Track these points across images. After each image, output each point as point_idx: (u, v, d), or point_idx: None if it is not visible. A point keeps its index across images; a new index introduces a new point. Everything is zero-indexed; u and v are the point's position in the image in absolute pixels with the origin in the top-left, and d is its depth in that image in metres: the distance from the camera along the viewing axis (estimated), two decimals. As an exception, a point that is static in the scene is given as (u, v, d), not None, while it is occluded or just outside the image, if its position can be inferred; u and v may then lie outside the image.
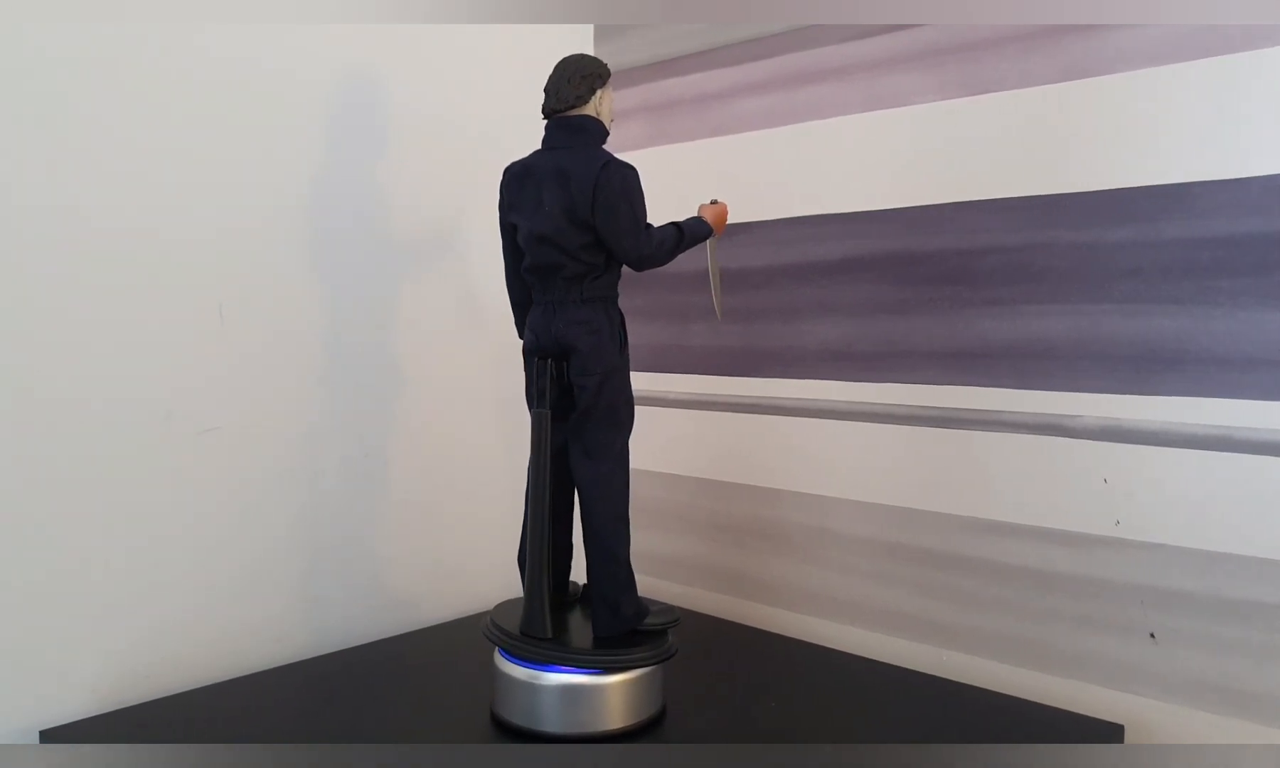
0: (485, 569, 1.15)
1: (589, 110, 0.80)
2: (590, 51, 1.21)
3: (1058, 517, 0.91)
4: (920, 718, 0.83)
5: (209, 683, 0.90)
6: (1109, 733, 0.81)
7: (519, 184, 0.81)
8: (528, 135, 0.85)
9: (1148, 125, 0.86)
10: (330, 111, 1.01)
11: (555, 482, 0.81)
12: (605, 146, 0.80)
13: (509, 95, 1.15)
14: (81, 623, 0.85)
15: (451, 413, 1.14)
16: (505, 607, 0.86)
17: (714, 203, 0.88)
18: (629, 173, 0.78)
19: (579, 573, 0.86)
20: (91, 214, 0.85)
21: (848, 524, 1.06)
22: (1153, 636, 0.86)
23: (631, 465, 0.83)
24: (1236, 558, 0.82)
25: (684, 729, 0.80)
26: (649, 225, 0.80)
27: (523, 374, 0.83)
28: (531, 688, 0.78)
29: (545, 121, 0.81)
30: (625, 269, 0.82)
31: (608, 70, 0.82)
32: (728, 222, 0.91)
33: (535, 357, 0.81)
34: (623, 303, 0.82)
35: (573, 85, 0.79)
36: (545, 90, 0.81)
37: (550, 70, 0.81)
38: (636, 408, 0.84)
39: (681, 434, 1.21)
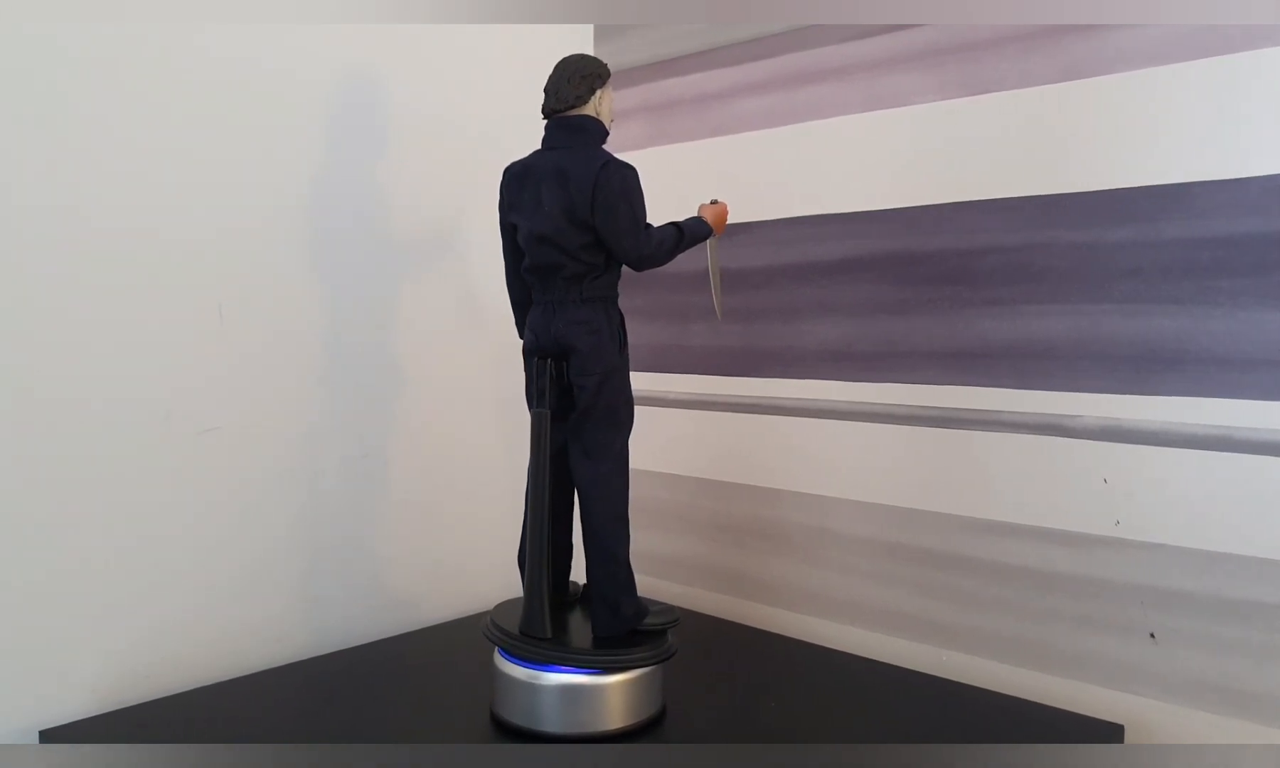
0: (485, 569, 1.15)
1: (589, 110, 0.80)
2: (590, 51, 1.21)
3: (1058, 517, 0.91)
4: (920, 718, 0.83)
5: (209, 683, 0.90)
6: (1109, 733, 0.81)
7: (519, 184, 0.81)
8: (528, 135, 0.85)
9: (1148, 125, 0.86)
10: (330, 111, 1.01)
11: (555, 482, 0.81)
12: (605, 146, 0.81)
13: (509, 95, 1.15)
14: (81, 623, 0.85)
15: (451, 413, 1.14)
16: (505, 607, 0.86)
17: (714, 203, 0.88)
18: (628, 173, 0.78)
19: (579, 573, 0.86)
20: (91, 214, 0.85)
21: (848, 524, 1.06)
22: (1153, 636, 0.86)
23: (631, 465, 0.83)
24: (1236, 558, 0.82)
25: (684, 729, 0.80)
26: (649, 225, 0.80)
27: (523, 374, 0.83)
28: (531, 688, 0.78)
29: (545, 121, 0.81)
30: (625, 269, 0.82)
31: (608, 70, 0.82)
32: (728, 221, 0.91)
33: (535, 357, 0.81)
34: (623, 303, 0.82)
35: (572, 85, 0.79)
36: (545, 90, 0.81)
37: (550, 70, 0.81)
38: (636, 408, 0.84)
39: (681, 434, 1.21)
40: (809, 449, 1.09)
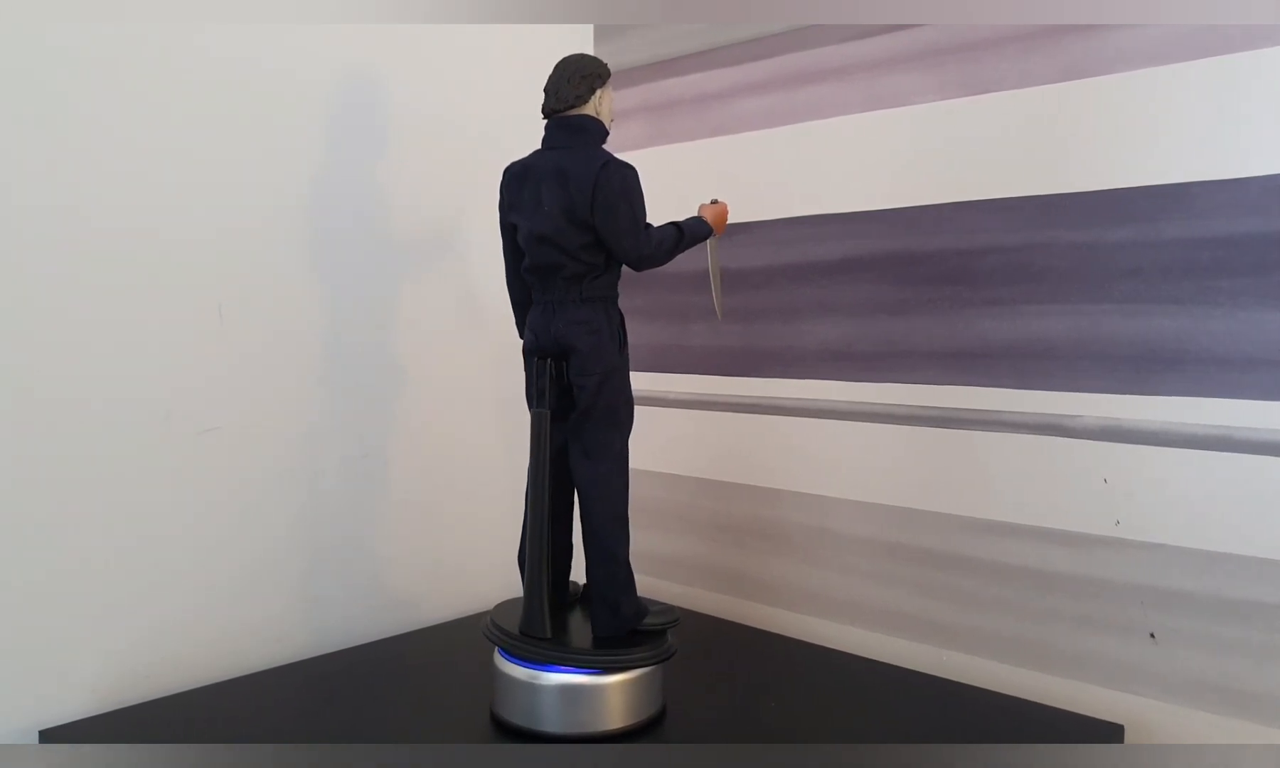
0: (485, 569, 1.15)
1: (589, 110, 0.80)
2: (590, 51, 1.21)
3: (1058, 517, 0.91)
4: (920, 718, 0.83)
5: (209, 683, 0.90)
6: (1109, 733, 0.81)
7: (519, 184, 0.81)
8: (528, 135, 0.85)
9: (1147, 125, 0.86)
10: (330, 111, 1.01)
11: (555, 482, 0.81)
12: (605, 146, 0.80)
13: (509, 95, 1.15)
14: (81, 623, 0.85)
15: (451, 413, 1.14)
16: (505, 607, 0.86)
17: (714, 203, 0.88)
18: (628, 172, 0.78)
19: (579, 573, 0.86)
20: (91, 214, 0.85)
21: (848, 524, 1.06)
22: (1153, 636, 0.86)
23: (631, 465, 0.83)
24: (1236, 558, 0.82)
25: (684, 729, 0.80)
26: (648, 225, 0.80)
27: (523, 374, 0.83)
28: (531, 688, 0.78)
29: (545, 121, 0.81)
30: (625, 269, 0.82)
31: (608, 70, 0.82)
32: (728, 221, 0.91)
33: (535, 357, 0.81)
34: (623, 303, 0.82)
35: (572, 85, 0.79)
36: (545, 90, 0.81)
37: (550, 70, 0.81)
38: (636, 408, 0.84)
39: (681, 434, 1.21)
40: (809, 449, 1.09)
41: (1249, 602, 0.81)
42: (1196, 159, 0.83)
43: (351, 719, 0.82)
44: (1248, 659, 0.82)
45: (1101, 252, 0.88)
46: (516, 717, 0.79)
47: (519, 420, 0.89)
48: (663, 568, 1.23)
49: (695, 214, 0.86)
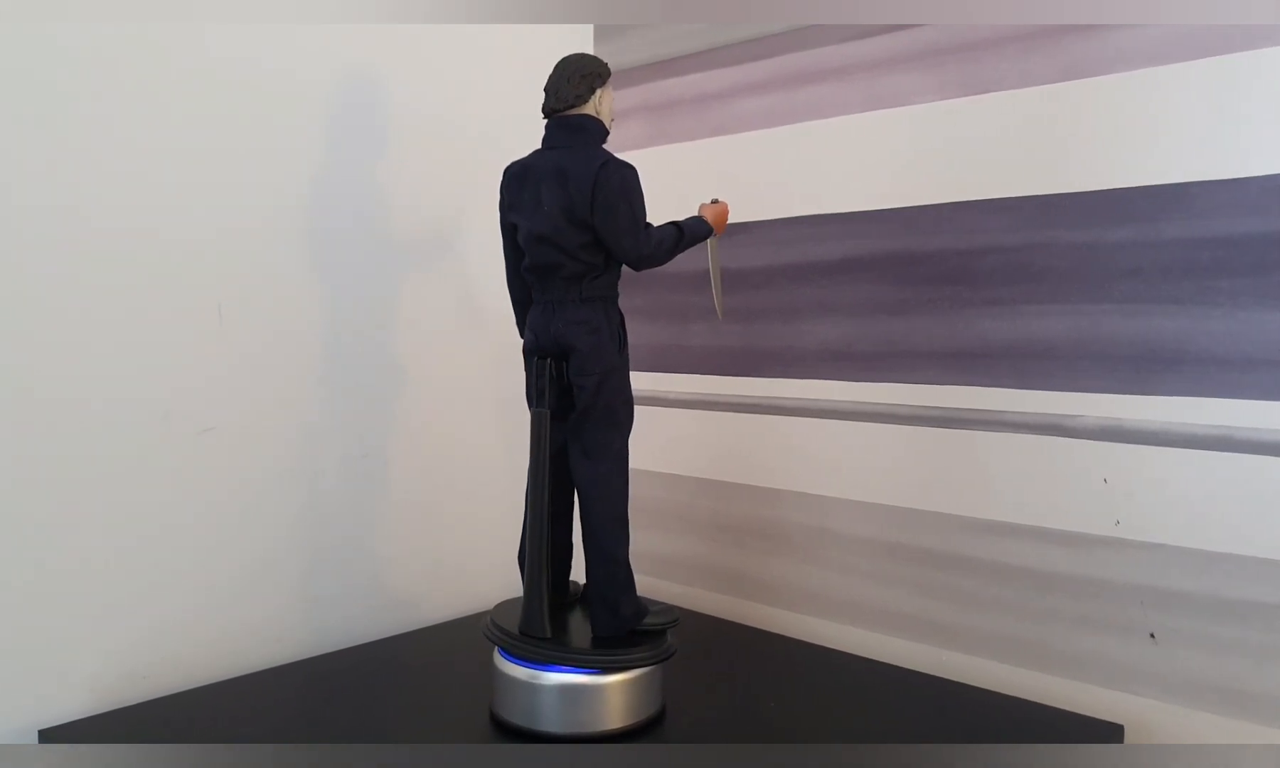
0: (485, 569, 1.15)
1: (589, 110, 0.80)
2: (590, 51, 1.21)
3: (1058, 517, 0.91)
4: (920, 718, 0.83)
5: (209, 683, 0.90)
6: (1109, 733, 0.81)
7: (518, 183, 0.81)
8: (528, 135, 0.85)
9: (1147, 125, 0.86)
10: (330, 111, 1.01)
11: (555, 481, 0.81)
12: (605, 146, 0.80)
13: (509, 95, 1.15)
14: (81, 623, 0.85)
15: (451, 413, 1.14)
16: (505, 607, 0.86)
17: (714, 202, 0.88)
18: (628, 172, 0.78)
19: (579, 573, 0.86)
20: (91, 214, 0.85)
21: (848, 524, 1.06)
22: (1153, 636, 0.86)
23: (631, 465, 0.83)
24: (1236, 558, 0.82)
25: (684, 729, 0.80)
26: (648, 225, 0.80)
27: (523, 374, 0.83)
28: (531, 688, 0.78)
29: (545, 121, 0.81)
30: (625, 269, 0.82)
31: (608, 70, 0.82)
32: (728, 221, 0.91)
33: (535, 356, 0.81)
34: (623, 303, 0.82)
35: (572, 85, 0.79)
36: (545, 90, 0.81)
37: (550, 70, 0.81)
38: (636, 408, 0.84)
39: (681, 434, 1.21)
40: (809, 449, 1.09)
41: (1248, 602, 0.81)
42: (1196, 159, 0.83)
43: (351, 719, 0.82)
44: (1247, 659, 0.81)
45: (1101, 252, 0.88)
46: (516, 717, 0.79)
47: (519, 420, 0.89)
48: (663, 568, 1.23)
49: (695, 214, 0.86)
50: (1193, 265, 0.83)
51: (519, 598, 0.82)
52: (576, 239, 0.78)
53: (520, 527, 0.82)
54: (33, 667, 0.83)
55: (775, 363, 1.12)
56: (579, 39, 1.26)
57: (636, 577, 0.82)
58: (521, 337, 0.84)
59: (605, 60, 0.83)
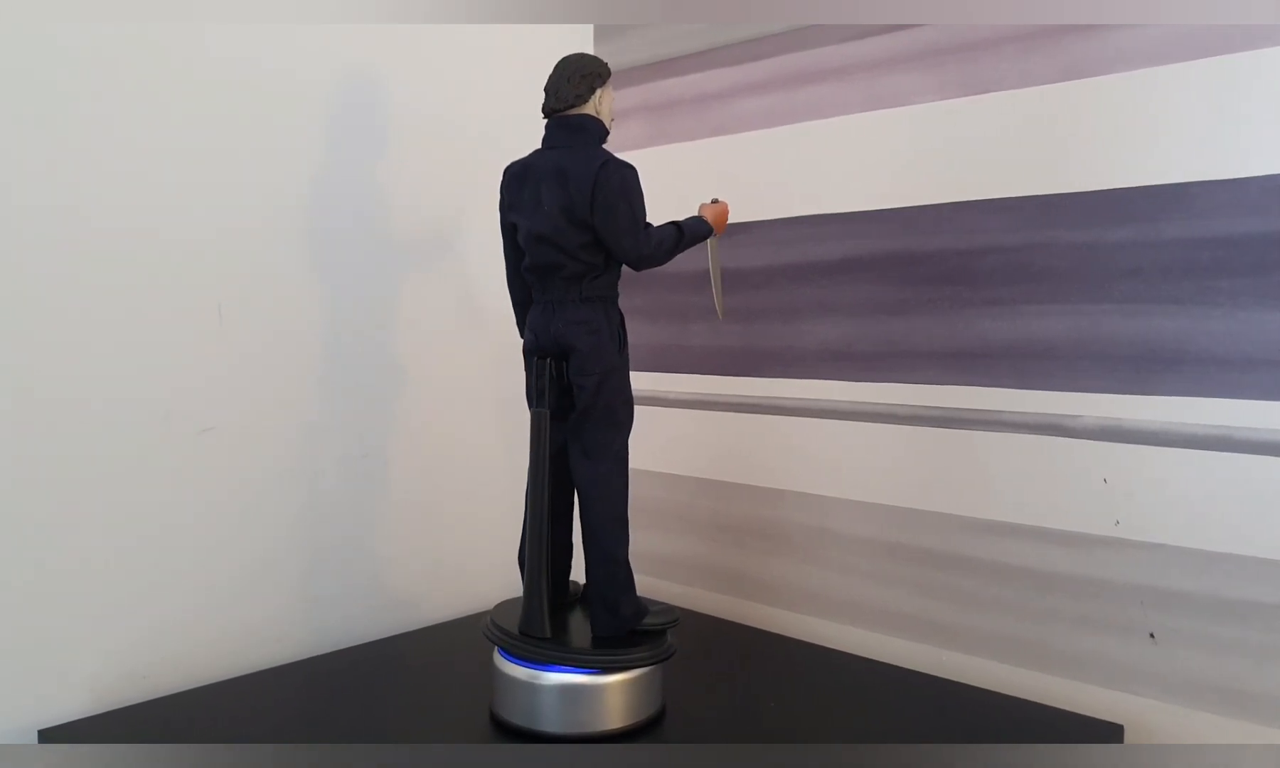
0: (485, 569, 1.15)
1: (589, 109, 0.80)
2: (590, 51, 1.21)
3: (1058, 517, 0.91)
4: (920, 718, 0.83)
5: (209, 683, 0.90)
6: (1109, 733, 0.81)
7: (519, 183, 0.81)
8: (528, 135, 0.85)
9: (1147, 125, 0.86)
10: (330, 111, 1.01)
11: (555, 481, 0.81)
12: (605, 146, 0.80)
13: (509, 95, 1.15)
14: (81, 623, 0.85)
15: (451, 413, 1.14)
16: (505, 607, 0.86)
17: (714, 202, 0.88)
18: (628, 172, 0.78)
19: (579, 573, 0.86)
20: (91, 214, 0.85)
21: (848, 524, 1.06)
22: (1153, 636, 0.86)
23: (631, 465, 0.83)
24: (1236, 558, 0.82)
25: (684, 729, 0.80)
26: (648, 225, 0.80)
27: (523, 374, 0.83)
28: (531, 688, 0.78)
29: (545, 121, 0.81)
30: (625, 269, 0.82)
31: (608, 70, 0.82)
32: (728, 221, 0.91)
33: (535, 356, 0.81)
34: (623, 303, 0.82)
35: (572, 84, 0.79)
36: (545, 90, 0.81)
37: (550, 70, 0.81)
38: (636, 408, 0.84)
39: (681, 434, 1.21)
40: (809, 449, 1.09)
41: (1248, 602, 0.81)
42: (1196, 159, 0.83)
43: (351, 719, 0.82)
44: (1247, 659, 0.81)
45: (1101, 252, 0.88)
46: (516, 717, 0.79)
47: (519, 420, 0.89)
48: (663, 568, 1.23)
49: (695, 214, 0.86)
50: (1193, 265, 0.83)
51: (519, 598, 0.82)
52: (576, 239, 0.78)
53: (520, 527, 0.82)
54: (33, 667, 0.83)
55: (775, 363, 1.12)
56: (579, 39, 1.26)
57: (636, 577, 0.82)
58: (521, 337, 0.84)
59: (605, 60, 0.82)
